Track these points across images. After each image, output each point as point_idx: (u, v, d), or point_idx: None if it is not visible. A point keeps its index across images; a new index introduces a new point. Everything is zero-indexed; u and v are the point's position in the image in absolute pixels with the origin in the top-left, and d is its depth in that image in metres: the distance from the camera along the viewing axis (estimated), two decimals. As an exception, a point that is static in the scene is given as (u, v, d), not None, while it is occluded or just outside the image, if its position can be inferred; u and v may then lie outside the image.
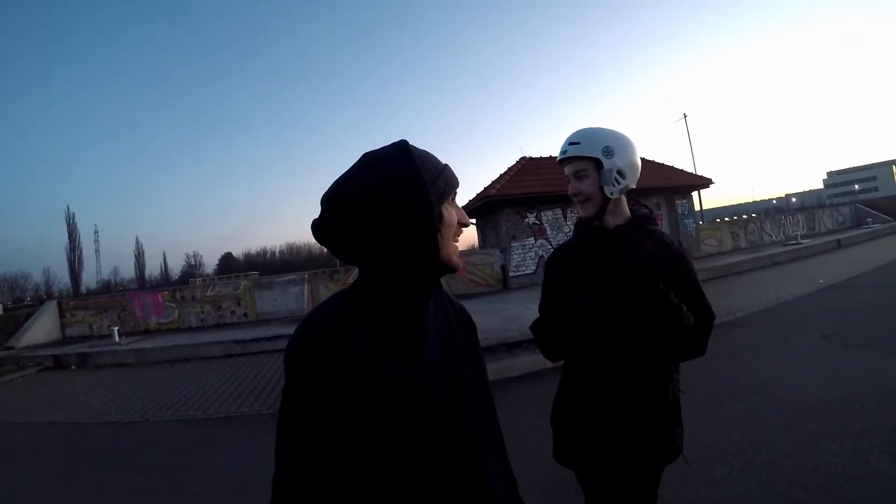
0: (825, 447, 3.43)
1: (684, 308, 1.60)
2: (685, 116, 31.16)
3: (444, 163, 1.00)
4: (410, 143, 0.98)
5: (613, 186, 1.70)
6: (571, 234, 1.90)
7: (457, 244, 1.01)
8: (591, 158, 1.69)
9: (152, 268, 74.14)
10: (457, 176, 1.01)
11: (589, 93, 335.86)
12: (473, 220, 18.94)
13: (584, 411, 1.74)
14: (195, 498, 3.88)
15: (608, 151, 1.69)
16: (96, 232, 66.82)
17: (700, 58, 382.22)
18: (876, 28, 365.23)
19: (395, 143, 0.98)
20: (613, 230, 1.74)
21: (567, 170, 1.75)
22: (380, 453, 0.87)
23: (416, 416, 0.88)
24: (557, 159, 1.77)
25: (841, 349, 5.81)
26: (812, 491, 2.93)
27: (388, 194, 0.91)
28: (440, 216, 0.94)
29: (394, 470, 0.87)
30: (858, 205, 28.54)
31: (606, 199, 1.72)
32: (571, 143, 1.72)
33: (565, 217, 16.41)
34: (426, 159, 0.96)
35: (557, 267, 1.85)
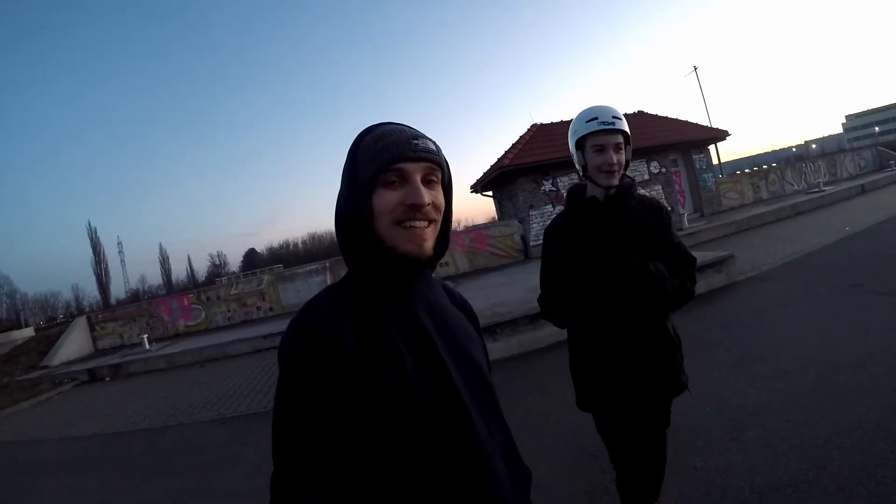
0: (859, 403, 3.33)
1: (649, 266, 1.82)
2: (696, 69, 30.50)
3: (384, 141, 0.92)
4: (397, 120, 0.99)
5: (630, 159, 1.96)
6: (564, 205, 2.14)
7: (414, 231, 0.91)
8: (626, 134, 1.90)
9: (178, 272, 75.37)
10: (403, 150, 0.91)
11: (593, 50, 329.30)
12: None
13: (595, 357, 1.97)
14: (227, 495, 3.97)
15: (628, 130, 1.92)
16: (119, 243, 68.10)
17: (707, 4, 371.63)
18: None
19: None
20: (611, 197, 1.94)
21: (606, 140, 1.87)
22: (375, 456, 0.86)
23: (405, 418, 0.87)
24: (598, 128, 1.87)
25: (870, 298, 5.65)
26: (847, 451, 2.83)
27: (339, 194, 0.98)
28: (370, 206, 0.92)
29: (389, 472, 0.86)
30: (880, 147, 27.75)
31: (625, 170, 1.95)
32: (615, 116, 1.87)
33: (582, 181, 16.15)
34: (367, 143, 0.94)
35: (554, 238, 2.07)
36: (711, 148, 19.71)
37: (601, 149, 1.87)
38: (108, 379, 10.99)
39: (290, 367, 0.89)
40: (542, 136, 16.65)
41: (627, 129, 1.89)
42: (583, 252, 1.93)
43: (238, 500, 3.82)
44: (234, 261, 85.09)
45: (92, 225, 55.80)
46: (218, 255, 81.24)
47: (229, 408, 6.55)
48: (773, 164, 24.28)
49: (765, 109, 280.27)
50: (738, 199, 19.92)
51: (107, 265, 55.63)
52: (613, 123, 1.85)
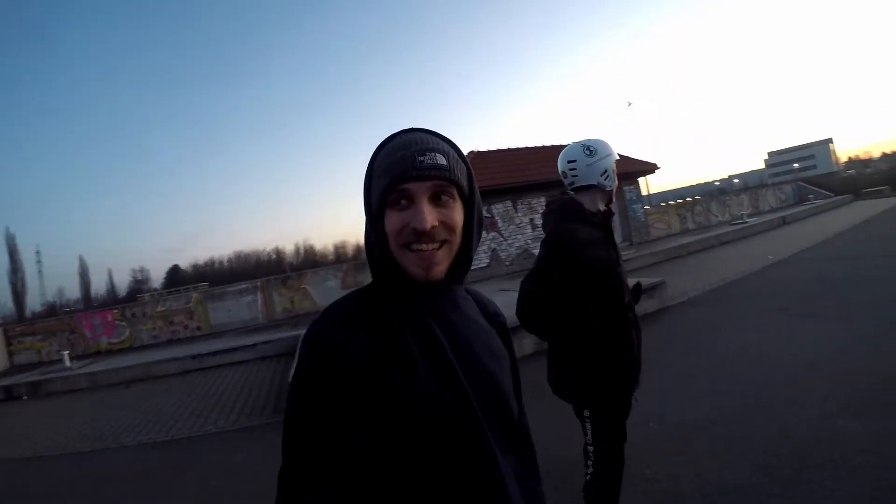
0: (793, 414, 3.55)
1: None
2: (630, 104, 31.93)
3: (389, 160, 0.88)
4: (416, 127, 0.95)
5: None
6: (570, 219, 2.22)
7: (421, 254, 0.87)
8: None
9: (98, 286, 70.60)
10: (406, 170, 0.86)
11: (532, 82, 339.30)
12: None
13: (625, 353, 2.12)
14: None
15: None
16: (38, 252, 63.48)
17: (643, 44, 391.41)
18: (810, 11, 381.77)
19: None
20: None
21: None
22: (385, 461, 0.83)
23: (415, 423, 0.83)
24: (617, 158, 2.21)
25: (796, 321, 6.04)
26: (785, 456, 3.02)
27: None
28: (381, 225, 0.89)
29: (399, 478, 0.83)
30: (800, 182, 29.80)
31: None
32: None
33: (515, 208, 16.65)
34: (381, 158, 0.90)
35: (597, 249, 2.19)
36: (641, 180, 20.62)
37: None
38: (25, 397, 10.20)
39: (301, 371, 0.90)
40: (480, 163, 16.89)
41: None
42: (615, 265, 2.16)
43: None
44: (157, 277, 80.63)
45: (10, 231, 51.93)
46: (140, 271, 76.65)
47: (159, 432, 6.17)
48: (698, 197, 25.62)
49: (691, 145, 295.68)
50: (665, 230, 20.93)
51: (24, 275, 51.92)
52: None
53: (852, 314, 5.83)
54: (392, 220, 0.87)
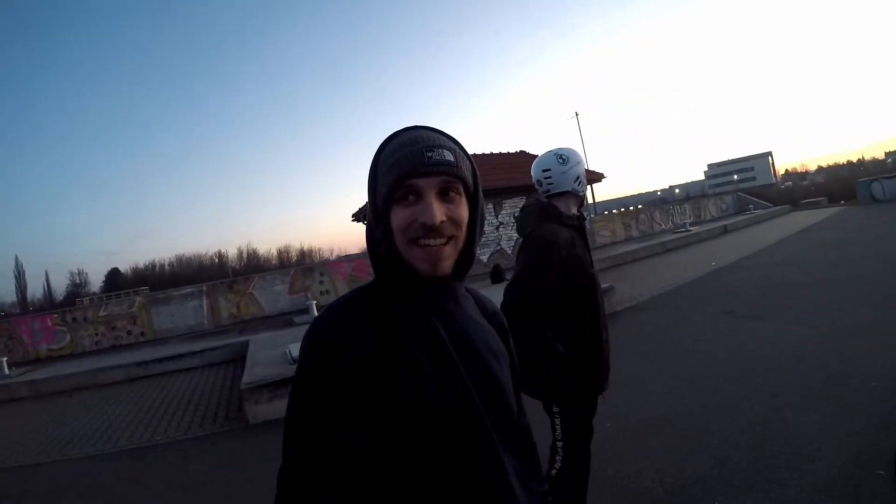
0: (745, 409, 3.74)
1: None
2: (577, 115, 32.58)
3: (397, 155, 0.88)
4: (423, 125, 0.95)
5: None
6: (548, 222, 2.33)
7: (428, 250, 0.87)
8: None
9: (34, 289, 67.17)
10: (414, 165, 0.86)
11: (480, 89, 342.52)
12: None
13: (598, 352, 2.25)
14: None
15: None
16: (-30, 252, 60.16)
17: (586, 56, 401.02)
18: (753, 24, 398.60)
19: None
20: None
21: None
22: (387, 460, 0.84)
23: (418, 422, 0.84)
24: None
25: (741, 322, 6.35)
26: (742, 449, 3.18)
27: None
28: (387, 221, 0.89)
29: (400, 478, 0.84)
30: (740, 193, 31.08)
31: None
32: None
33: (496, 213, 16.96)
34: (387, 154, 0.90)
35: (572, 257, 2.32)
36: (587, 188, 21.08)
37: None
38: (-41, 409, 9.64)
39: (303, 370, 0.90)
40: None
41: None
42: (589, 267, 2.25)
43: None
44: (96, 280, 77.25)
45: (-60, 231, 48.92)
46: (78, 273, 73.32)
47: (108, 442, 5.90)
48: (642, 206, 26.39)
49: (633, 155, 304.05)
50: (610, 237, 21.58)
51: (-45, 275, 48.85)
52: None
53: (795, 316, 6.16)
54: (399, 216, 0.87)
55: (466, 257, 0.95)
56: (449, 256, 0.90)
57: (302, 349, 0.91)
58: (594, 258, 2.34)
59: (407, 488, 0.83)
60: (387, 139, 0.93)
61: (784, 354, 4.79)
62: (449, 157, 0.88)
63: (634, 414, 4.01)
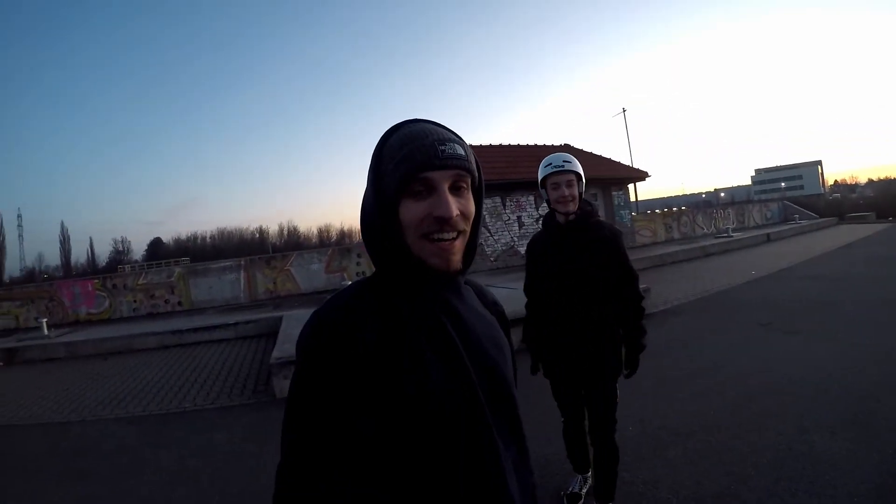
0: (770, 427, 3.62)
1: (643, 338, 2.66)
2: (623, 111, 32.02)
3: (408, 148, 0.86)
4: (423, 118, 0.94)
5: (583, 191, 2.59)
6: (540, 227, 2.78)
7: (441, 244, 0.87)
8: (577, 173, 2.52)
9: (78, 254, 69.54)
10: (428, 158, 0.85)
11: (529, 82, 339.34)
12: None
13: (559, 337, 2.64)
14: (145, 502, 3.67)
15: (580, 169, 2.56)
16: (20, 216, 62.45)
17: (640, 53, 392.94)
18: (810, 31, 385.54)
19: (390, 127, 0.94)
20: (572, 221, 2.54)
21: (559, 178, 2.50)
22: (390, 452, 0.83)
23: (422, 415, 0.84)
24: (553, 171, 2.51)
25: (776, 336, 6.15)
26: (762, 468, 3.09)
27: (365, 195, 0.93)
28: (397, 216, 0.87)
29: (403, 471, 0.84)
30: (786, 201, 30.13)
31: (580, 200, 2.55)
32: (566, 160, 2.51)
33: (504, 205, 16.80)
34: (391, 148, 0.88)
35: (533, 251, 2.78)
36: (630, 186, 20.76)
37: (556, 186, 2.51)
38: (1, 364, 10.06)
39: (306, 359, 0.88)
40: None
41: (578, 169, 2.52)
42: (553, 262, 2.61)
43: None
44: (139, 249, 79.57)
45: (-8, 194, 50.95)
46: (122, 241, 75.47)
47: (137, 406, 6.10)
48: (685, 207, 25.81)
49: (680, 155, 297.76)
50: (650, 237, 21.14)
51: (3, 238, 50.91)
52: (562, 166, 2.49)
53: (832, 334, 5.94)
54: (411, 209, 0.86)
55: (470, 251, 0.95)
56: (459, 251, 0.90)
57: (301, 340, 0.90)
58: (633, 258, 2.67)
59: (409, 479, 0.83)
60: (389, 131, 0.92)
61: (816, 373, 4.62)
62: (460, 150, 0.88)
63: (658, 420, 3.94)
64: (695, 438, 3.58)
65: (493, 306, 1.09)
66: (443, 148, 0.86)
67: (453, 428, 0.85)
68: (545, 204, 2.64)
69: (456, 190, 0.88)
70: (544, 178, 2.56)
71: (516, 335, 5.34)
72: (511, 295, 9.15)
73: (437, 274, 0.88)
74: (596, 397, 2.62)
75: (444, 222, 0.85)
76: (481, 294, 1.09)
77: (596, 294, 2.52)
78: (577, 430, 2.87)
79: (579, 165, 2.54)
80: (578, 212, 2.53)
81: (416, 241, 0.87)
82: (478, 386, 0.88)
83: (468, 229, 0.91)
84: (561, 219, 2.56)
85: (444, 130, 0.91)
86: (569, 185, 2.49)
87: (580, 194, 2.54)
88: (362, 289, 0.94)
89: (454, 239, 0.87)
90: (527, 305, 2.86)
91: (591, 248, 2.52)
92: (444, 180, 0.86)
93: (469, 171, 0.89)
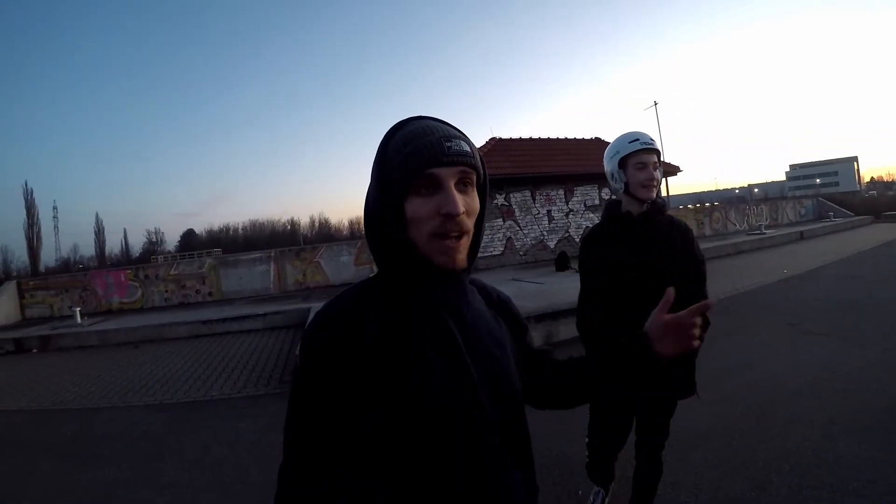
0: (796, 432, 3.54)
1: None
2: (655, 104, 31.46)
3: (415, 144, 0.86)
4: (427, 115, 0.93)
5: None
6: (601, 218, 2.41)
7: (447, 242, 0.86)
8: (659, 154, 2.18)
9: (112, 245, 71.31)
10: (435, 155, 0.85)
11: (559, 76, 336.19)
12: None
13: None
14: (167, 488, 3.76)
15: None
16: (55, 208, 63.73)
17: (672, 45, 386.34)
18: (847, 27, 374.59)
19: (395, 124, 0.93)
20: (645, 213, 2.20)
21: (647, 158, 2.14)
22: (390, 449, 0.84)
23: (423, 413, 0.84)
24: (640, 147, 2.14)
25: (806, 337, 6.00)
26: (785, 474, 3.02)
27: (368, 191, 0.93)
28: (403, 213, 0.86)
29: (403, 468, 0.84)
30: (821, 198, 29.37)
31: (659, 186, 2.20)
32: (652, 139, 2.16)
33: (534, 199, 16.62)
34: (397, 144, 0.88)
35: (593, 245, 2.37)
36: (662, 180, 20.43)
37: (643, 166, 2.13)
38: (35, 351, 10.35)
39: (310, 355, 0.88)
40: (500, 151, 16.93)
41: (660, 150, 2.17)
42: (619, 260, 2.22)
43: (177, 494, 3.64)
44: (171, 240, 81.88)
45: (29, 186, 52.00)
46: (155, 232, 77.35)
47: (166, 394, 6.26)
48: (717, 203, 25.31)
49: (713, 149, 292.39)
50: (688, 227, 20.69)
51: (40, 229, 51.76)
52: (652, 143, 2.13)
53: (864, 336, 5.77)
54: (418, 207, 0.85)
55: (474, 248, 0.94)
56: (464, 249, 0.90)
57: (305, 337, 0.90)
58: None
59: (410, 477, 0.84)
60: (394, 128, 0.92)
61: (845, 377, 4.50)
62: (466, 147, 0.88)
63: (680, 422, 3.80)
64: (717, 441, 3.51)
65: (497, 303, 1.09)
66: (449, 145, 0.86)
67: (453, 425, 0.85)
68: (619, 187, 2.24)
69: (461, 187, 0.88)
70: (626, 157, 2.17)
71: (538, 331, 5.28)
72: (539, 290, 9.17)
73: (442, 272, 0.89)
74: (655, 411, 2.37)
75: (451, 219, 0.84)
76: (485, 292, 1.09)
77: (664, 279, 2.08)
78: (613, 450, 2.62)
79: None
80: (652, 203, 2.21)
81: (421, 239, 0.87)
82: (479, 384, 0.88)
83: (472, 226, 0.91)
84: (635, 207, 2.20)
85: (449, 127, 0.91)
86: (655, 166, 2.15)
87: (659, 182, 2.23)
88: (367, 286, 0.95)
89: (459, 237, 0.87)
90: (581, 319, 2.47)
91: (663, 240, 2.20)
92: (450, 177, 0.86)
93: (474, 168, 0.89)
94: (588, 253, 2.37)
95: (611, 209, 2.31)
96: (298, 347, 0.92)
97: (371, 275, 1.00)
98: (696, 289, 2.15)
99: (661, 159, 2.18)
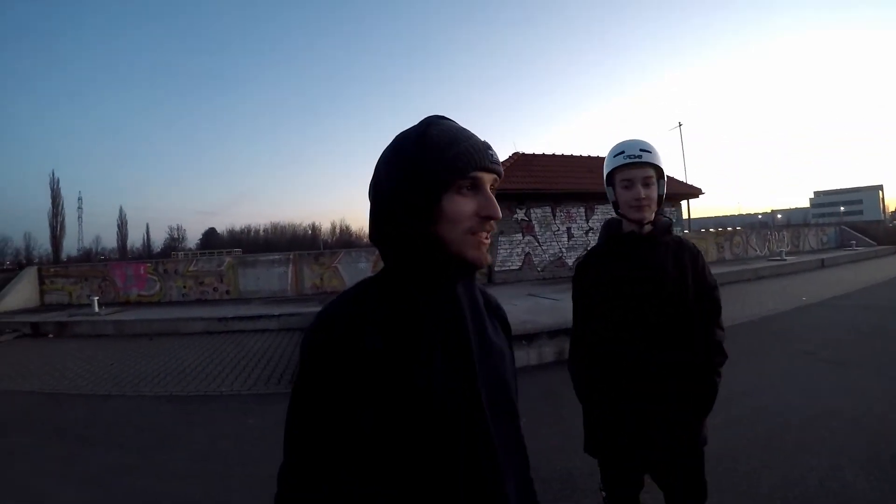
0: (803, 461, 3.48)
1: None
2: (680, 125, 31.30)
3: (463, 145, 0.87)
4: (446, 116, 0.95)
5: (664, 194, 1.89)
6: (598, 239, 2.06)
7: (480, 238, 0.89)
8: (657, 167, 1.84)
9: (134, 239, 73.06)
10: (482, 159, 0.87)
11: (583, 93, 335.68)
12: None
13: (621, 401, 1.87)
14: (174, 477, 3.82)
15: (663, 163, 1.86)
16: (80, 199, 64.87)
17: (697, 67, 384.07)
18: (876, 51, 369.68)
19: (421, 121, 0.93)
20: (649, 233, 1.89)
21: (634, 173, 1.82)
22: (389, 451, 0.84)
23: (423, 418, 0.84)
24: (627, 162, 1.82)
25: (821, 366, 5.90)
26: (790, 502, 2.98)
27: (387, 184, 0.90)
28: (437, 208, 0.86)
29: (399, 471, 0.84)
30: (844, 227, 28.92)
31: (659, 206, 1.88)
32: (643, 149, 1.82)
33: (554, 215, 16.60)
34: (438, 141, 0.87)
35: (588, 271, 2.01)
36: (683, 203, 20.30)
37: (629, 184, 1.83)
38: (51, 336, 10.57)
39: (311, 357, 0.88)
40: (522, 165, 16.96)
41: (659, 162, 1.83)
42: (621, 275, 1.89)
43: (182, 483, 3.70)
44: (193, 237, 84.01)
45: (55, 175, 52.91)
46: (177, 229, 79.22)
47: (177, 386, 6.36)
48: (739, 228, 25.04)
49: (737, 173, 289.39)
50: (698, 248, 20.52)
51: (64, 219, 52.67)
52: (640, 156, 1.80)
53: (880, 367, 5.66)
54: (460, 206, 0.87)
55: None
56: (488, 248, 0.93)
57: (306, 338, 0.90)
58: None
59: (410, 481, 0.84)
60: (428, 123, 0.91)
61: (858, 409, 4.41)
62: (499, 158, 0.92)
63: None
64: (723, 466, 3.46)
65: (497, 311, 1.10)
66: (491, 152, 0.90)
67: (455, 429, 0.85)
68: (612, 206, 1.95)
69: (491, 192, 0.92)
70: (612, 174, 1.89)
71: (551, 346, 5.26)
72: (555, 306, 9.16)
73: (468, 267, 0.90)
74: (679, 467, 1.92)
75: (488, 221, 0.89)
76: (486, 297, 1.09)
77: (671, 313, 1.85)
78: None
79: (661, 157, 1.85)
80: (655, 222, 1.89)
81: (455, 235, 0.88)
82: (482, 391, 0.89)
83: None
84: (629, 228, 1.90)
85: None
86: (646, 182, 1.82)
87: (660, 198, 1.87)
88: (368, 286, 0.95)
89: (488, 237, 0.91)
90: (574, 358, 2.06)
91: (671, 258, 1.90)
92: (488, 182, 0.90)
93: (501, 176, 0.93)
94: (587, 269, 2.02)
95: (611, 228, 1.99)
96: (299, 349, 0.93)
97: (368, 277, 0.99)
98: (709, 318, 1.94)
99: (662, 170, 1.86)
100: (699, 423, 1.93)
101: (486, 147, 0.90)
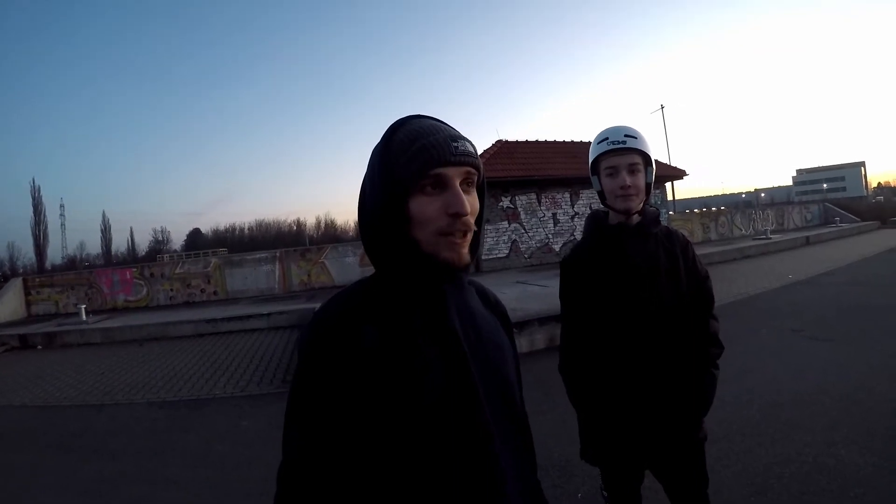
0: (797, 438, 3.53)
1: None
2: (662, 107, 31.46)
3: (420, 142, 0.85)
4: (424, 113, 0.93)
5: (652, 182, 1.80)
6: (583, 233, 1.97)
7: (453, 238, 0.86)
8: (644, 154, 1.75)
9: (119, 243, 71.98)
10: (443, 154, 0.84)
11: (565, 78, 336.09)
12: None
13: (620, 407, 1.79)
14: (169, 483, 3.79)
15: (650, 150, 1.78)
16: (62, 206, 64.43)
17: (677, 49, 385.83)
18: (855, 30, 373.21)
19: (391, 123, 0.92)
20: (638, 224, 1.80)
21: (619, 160, 1.73)
22: (386, 452, 0.83)
23: (421, 415, 0.83)
24: (611, 148, 1.74)
25: (809, 343, 5.99)
26: (786, 480, 3.01)
27: (365, 192, 0.92)
28: (406, 211, 0.85)
29: (398, 470, 0.83)
30: (827, 203, 29.27)
31: (647, 195, 1.79)
32: (628, 135, 1.74)
33: (539, 202, 16.65)
34: (401, 143, 0.86)
35: (576, 270, 1.89)
36: (667, 185, 20.44)
37: (613, 171, 1.74)
38: (40, 347, 10.42)
39: (308, 356, 0.87)
40: (506, 153, 16.99)
41: (646, 148, 1.75)
42: (608, 285, 1.78)
43: (179, 490, 3.68)
44: (178, 239, 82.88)
45: (36, 183, 52.31)
46: (161, 231, 77.99)
47: (170, 391, 6.31)
48: (723, 208, 25.28)
49: (719, 153, 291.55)
50: (687, 237, 20.71)
51: (46, 227, 52.04)
52: (625, 142, 1.71)
53: (868, 342, 5.75)
54: (424, 206, 0.85)
55: (474, 246, 0.93)
56: (467, 245, 0.89)
57: (302, 338, 0.89)
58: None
59: (404, 479, 0.83)
60: (395, 125, 0.91)
61: (849, 383, 4.48)
62: (470, 148, 0.88)
63: None
64: (719, 445, 3.48)
65: (496, 307, 1.08)
66: (455, 144, 0.85)
67: (451, 427, 0.84)
68: (597, 197, 1.85)
69: (465, 187, 0.88)
70: (596, 161, 1.80)
71: (541, 333, 5.26)
72: (544, 292, 9.15)
73: (446, 269, 0.88)
74: (679, 463, 1.87)
75: (458, 219, 0.84)
76: (483, 294, 1.07)
77: (666, 307, 1.77)
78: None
79: (648, 143, 1.76)
80: (643, 212, 1.81)
81: (426, 237, 0.86)
82: (479, 385, 0.88)
83: (473, 226, 0.91)
84: (617, 220, 1.81)
85: (451, 127, 0.91)
86: (632, 170, 1.73)
87: (648, 186, 1.78)
88: (364, 286, 0.95)
89: (464, 235, 0.87)
90: (567, 363, 1.93)
91: (660, 251, 1.81)
92: (456, 177, 0.86)
93: (477, 168, 0.89)
94: (573, 267, 1.91)
95: (594, 221, 1.91)
96: (296, 348, 0.92)
97: (365, 276, 0.99)
98: (703, 310, 1.89)
99: (649, 157, 1.77)
100: (699, 419, 1.87)
101: (449, 140, 0.86)
